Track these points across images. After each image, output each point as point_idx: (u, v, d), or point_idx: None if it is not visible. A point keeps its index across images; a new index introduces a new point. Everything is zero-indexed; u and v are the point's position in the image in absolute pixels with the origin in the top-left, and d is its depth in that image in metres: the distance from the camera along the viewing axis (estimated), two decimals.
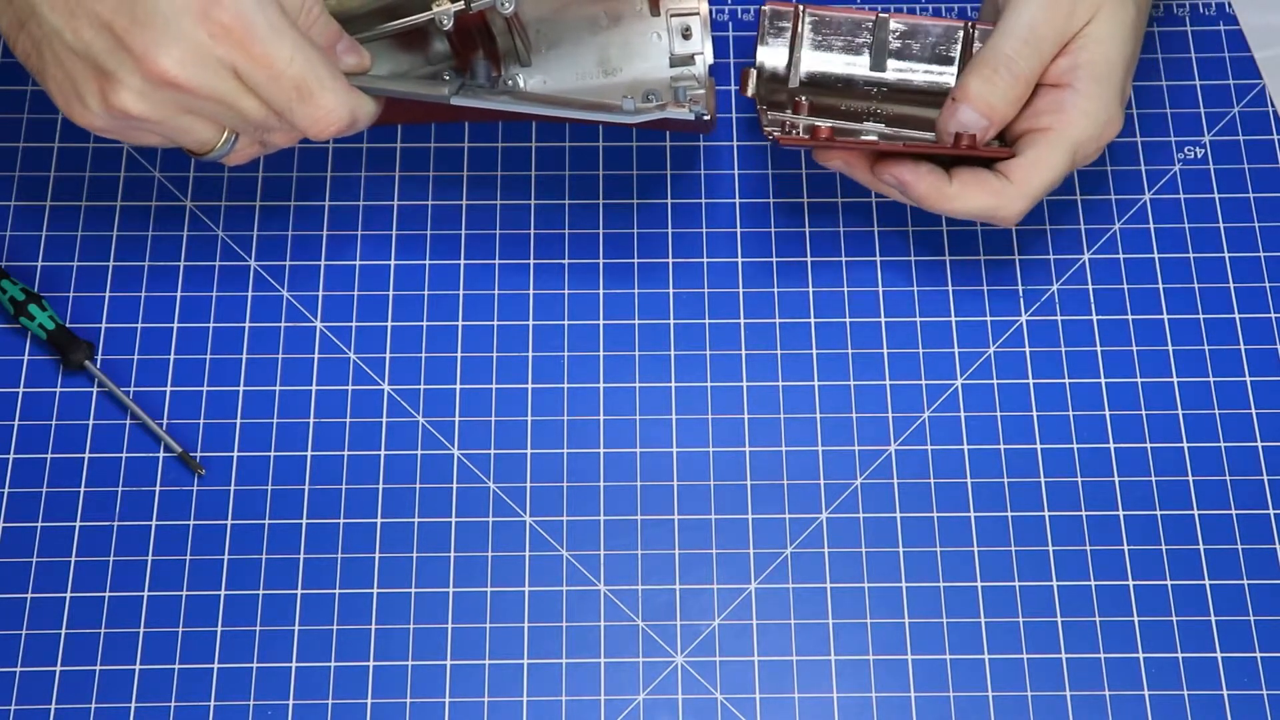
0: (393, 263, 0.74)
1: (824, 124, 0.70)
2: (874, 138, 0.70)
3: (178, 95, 0.58)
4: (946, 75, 0.71)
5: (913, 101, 0.72)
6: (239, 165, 0.63)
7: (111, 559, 0.68)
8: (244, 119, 0.60)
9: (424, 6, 0.68)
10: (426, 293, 0.74)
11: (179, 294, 0.73)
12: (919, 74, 0.72)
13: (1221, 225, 0.75)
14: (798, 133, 0.69)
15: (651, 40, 0.73)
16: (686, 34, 0.73)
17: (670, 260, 0.74)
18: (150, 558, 0.68)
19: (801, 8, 0.72)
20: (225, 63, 0.58)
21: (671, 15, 0.74)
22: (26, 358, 0.72)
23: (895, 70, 0.72)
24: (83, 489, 0.69)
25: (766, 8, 0.72)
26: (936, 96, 0.71)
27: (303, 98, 0.59)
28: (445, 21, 0.67)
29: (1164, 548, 0.69)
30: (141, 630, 0.67)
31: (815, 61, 0.72)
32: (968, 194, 0.67)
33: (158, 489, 0.70)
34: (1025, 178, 0.67)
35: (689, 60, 0.73)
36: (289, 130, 0.62)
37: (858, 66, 0.72)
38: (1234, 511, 0.69)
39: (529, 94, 0.72)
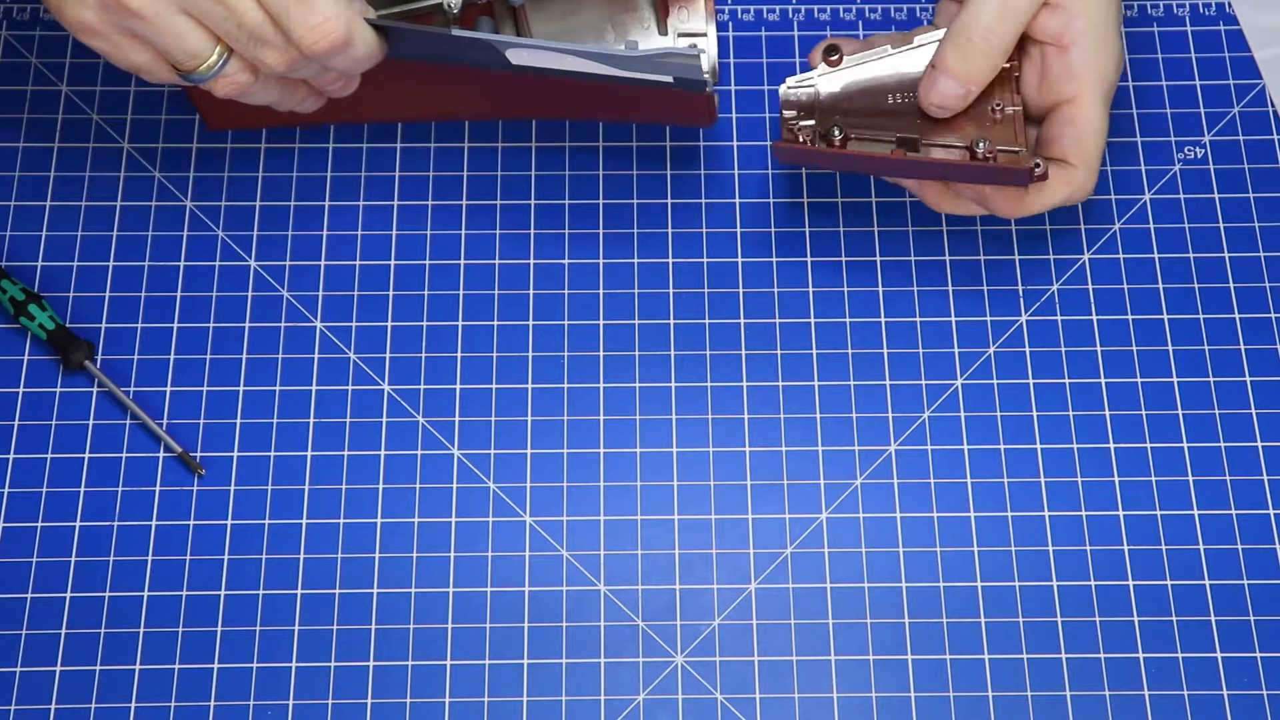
0: (393, 263, 0.74)
1: (837, 138, 0.67)
2: (887, 150, 0.68)
3: None
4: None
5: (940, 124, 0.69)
6: (227, 94, 0.62)
7: (111, 559, 0.68)
8: (240, 23, 0.59)
9: None
10: (426, 293, 0.74)
11: (179, 294, 0.73)
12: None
13: (1221, 225, 0.75)
14: (810, 141, 0.67)
15: None
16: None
17: (670, 260, 0.74)
18: (150, 558, 0.68)
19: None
20: None
21: (679, 35, 0.74)
22: (26, 358, 0.72)
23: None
24: (83, 489, 0.69)
25: (824, 43, 0.69)
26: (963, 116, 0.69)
27: None
28: (453, 7, 0.67)
29: (1164, 548, 0.69)
30: (141, 630, 0.67)
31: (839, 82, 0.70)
32: (1044, 194, 0.68)
33: (158, 489, 0.70)
34: (1082, 154, 0.68)
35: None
36: (284, 46, 0.60)
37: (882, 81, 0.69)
38: (1234, 511, 0.69)
39: (527, 39, 0.70)
